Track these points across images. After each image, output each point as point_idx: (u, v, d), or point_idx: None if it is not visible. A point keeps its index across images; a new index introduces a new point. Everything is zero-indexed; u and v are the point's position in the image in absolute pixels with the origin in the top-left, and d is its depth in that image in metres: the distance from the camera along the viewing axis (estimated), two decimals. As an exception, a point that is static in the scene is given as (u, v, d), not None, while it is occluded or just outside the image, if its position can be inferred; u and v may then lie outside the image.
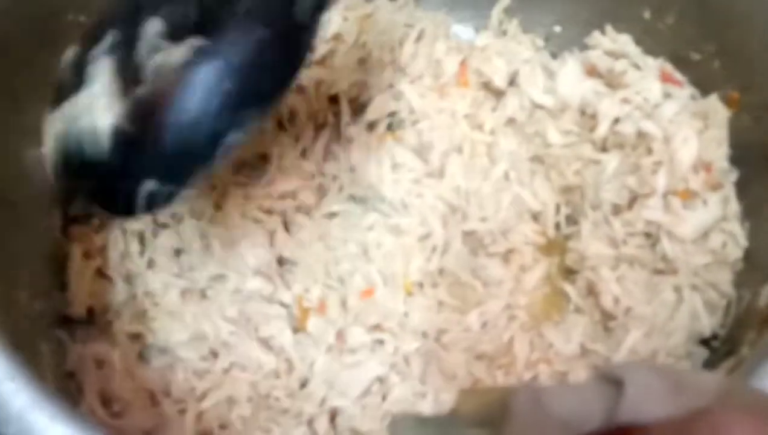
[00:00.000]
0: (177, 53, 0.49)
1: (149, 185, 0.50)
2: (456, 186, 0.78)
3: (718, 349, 0.67)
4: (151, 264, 0.73)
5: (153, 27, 0.50)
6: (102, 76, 0.51)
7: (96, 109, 0.50)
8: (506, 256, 0.76)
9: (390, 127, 0.82)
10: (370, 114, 0.81)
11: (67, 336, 0.67)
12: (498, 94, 0.83)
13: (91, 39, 0.53)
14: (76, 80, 0.52)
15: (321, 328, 0.71)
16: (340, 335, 0.71)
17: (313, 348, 0.70)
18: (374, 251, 0.75)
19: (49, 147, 0.53)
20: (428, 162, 0.79)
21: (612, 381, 0.39)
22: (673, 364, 0.66)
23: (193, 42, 0.49)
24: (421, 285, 0.74)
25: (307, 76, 0.82)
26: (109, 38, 0.52)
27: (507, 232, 0.76)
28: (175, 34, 0.49)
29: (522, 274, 0.75)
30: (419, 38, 0.83)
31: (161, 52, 0.49)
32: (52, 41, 0.68)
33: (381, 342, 0.70)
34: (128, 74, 0.50)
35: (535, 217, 0.77)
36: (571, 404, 0.39)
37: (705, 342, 0.69)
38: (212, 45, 0.49)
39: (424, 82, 0.82)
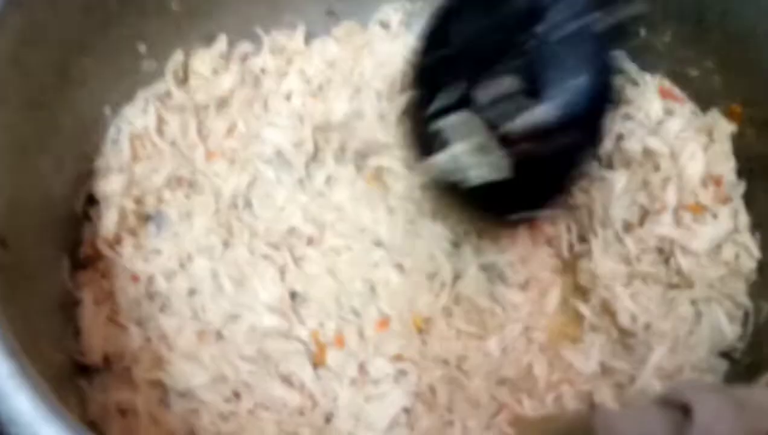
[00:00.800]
0: (541, 111, 0.62)
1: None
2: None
3: (740, 360, 0.68)
4: (163, 308, 0.72)
5: (507, 84, 0.63)
6: (474, 135, 0.64)
7: (476, 164, 0.64)
8: (525, 284, 0.76)
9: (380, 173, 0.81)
10: (361, 147, 0.81)
11: (87, 385, 0.65)
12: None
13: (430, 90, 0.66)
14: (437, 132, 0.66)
15: (342, 362, 0.70)
16: (362, 367, 0.70)
17: (335, 382, 0.69)
18: (381, 289, 0.74)
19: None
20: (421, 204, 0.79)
21: (678, 406, 0.39)
22: (703, 379, 0.67)
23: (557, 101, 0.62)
24: (431, 320, 0.73)
25: (300, 104, 0.82)
26: (454, 92, 0.65)
27: (526, 261, 0.76)
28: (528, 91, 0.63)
29: (541, 298, 0.75)
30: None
31: (526, 109, 0.62)
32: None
33: (404, 372, 0.70)
34: (495, 128, 0.63)
35: (549, 241, 0.78)
36: (641, 431, 0.39)
37: (724, 354, 0.70)
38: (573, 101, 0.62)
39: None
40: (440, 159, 0.66)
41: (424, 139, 0.69)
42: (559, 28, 0.62)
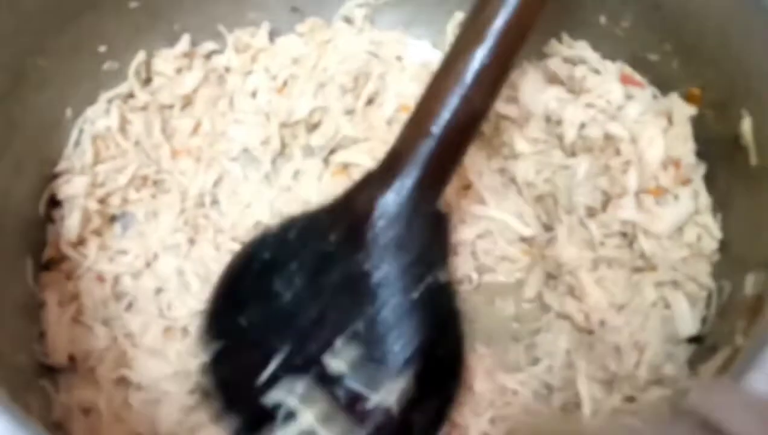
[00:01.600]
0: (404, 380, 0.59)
1: None
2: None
3: (703, 342, 0.68)
4: (129, 307, 0.72)
5: (347, 353, 0.60)
6: (319, 402, 0.59)
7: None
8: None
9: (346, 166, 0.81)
10: (327, 142, 0.81)
11: (51, 386, 0.65)
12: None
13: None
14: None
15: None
16: None
17: None
18: None
19: None
20: None
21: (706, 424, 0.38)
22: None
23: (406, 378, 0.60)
24: None
25: (266, 101, 0.82)
26: (284, 355, 0.61)
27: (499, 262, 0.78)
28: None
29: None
30: (383, 73, 0.84)
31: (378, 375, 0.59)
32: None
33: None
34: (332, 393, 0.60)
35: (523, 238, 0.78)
36: None
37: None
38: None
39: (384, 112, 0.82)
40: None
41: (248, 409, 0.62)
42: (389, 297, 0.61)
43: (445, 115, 0.59)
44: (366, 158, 0.80)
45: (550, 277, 0.76)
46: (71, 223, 0.72)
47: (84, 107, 0.77)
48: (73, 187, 0.73)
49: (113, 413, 0.64)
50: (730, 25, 0.66)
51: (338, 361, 0.61)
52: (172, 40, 0.82)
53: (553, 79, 0.81)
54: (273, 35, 0.87)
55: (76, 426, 0.63)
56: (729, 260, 0.69)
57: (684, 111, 0.72)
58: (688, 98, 0.73)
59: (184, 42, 0.83)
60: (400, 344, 0.60)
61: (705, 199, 0.71)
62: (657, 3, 0.73)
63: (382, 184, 0.62)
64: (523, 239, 0.79)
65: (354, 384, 0.60)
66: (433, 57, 0.87)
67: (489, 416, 0.69)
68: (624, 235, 0.73)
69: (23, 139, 0.70)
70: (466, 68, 0.59)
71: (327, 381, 0.60)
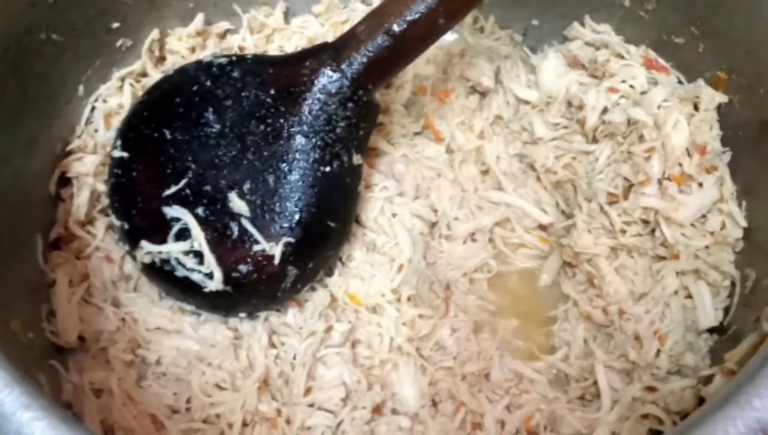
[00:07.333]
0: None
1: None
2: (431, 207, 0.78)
3: (725, 331, 0.67)
4: (137, 287, 0.71)
5: (251, 197, 0.65)
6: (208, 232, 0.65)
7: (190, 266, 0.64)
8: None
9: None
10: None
11: (60, 366, 0.63)
12: (484, 94, 0.82)
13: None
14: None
15: (300, 322, 0.70)
16: (328, 330, 0.69)
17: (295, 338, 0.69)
18: (348, 263, 0.74)
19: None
20: (401, 183, 0.78)
21: None
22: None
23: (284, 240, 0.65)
24: (390, 301, 0.71)
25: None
26: (195, 177, 0.66)
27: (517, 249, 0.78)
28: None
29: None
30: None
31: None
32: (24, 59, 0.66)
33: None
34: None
35: (541, 225, 0.78)
36: None
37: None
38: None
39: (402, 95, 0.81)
40: (165, 248, 0.65)
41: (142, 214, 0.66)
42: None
43: (409, 18, 0.63)
44: (383, 142, 0.79)
45: (568, 265, 0.75)
46: (80, 201, 0.71)
47: (97, 84, 0.76)
48: (84, 166, 0.72)
49: (126, 394, 0.63)
50: (760, 7, 0.65)
51: (242, 202, 0.65)
52: (186, 19, 0.81)
53: (574, 63, 0.80)
54: (288, 15, 0.86)
55: (87, 406, 0.62)
56: (754, 248, 0.67)
57: (710, 96, 0.70)
58: (714, 83, 0.71)
59: (198, 20, 0.81)
60: (299, 206, 0.65)
61: (730, 187, 0.69)
62: (684, -17, 0.71)
63: (331, 60, 0.66)
64: (541, 226, 0.78)
65: (249, 226, 0.65)
66: (450, 39, 0.86)
67: (505, 403, 0.68)
68: (646, 222, 0.71)
69: (35, 115, 0.68)
70: None
71: (226, 215, 0.65)
